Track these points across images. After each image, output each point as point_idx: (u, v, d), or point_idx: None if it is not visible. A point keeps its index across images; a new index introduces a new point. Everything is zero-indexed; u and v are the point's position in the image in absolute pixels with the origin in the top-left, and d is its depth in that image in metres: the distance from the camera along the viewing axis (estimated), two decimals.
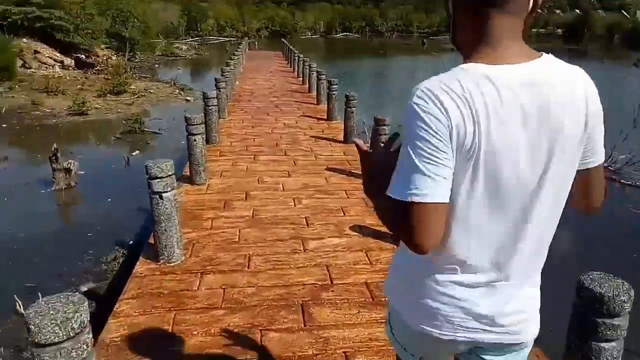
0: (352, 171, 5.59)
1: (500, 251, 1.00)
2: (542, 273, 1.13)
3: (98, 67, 19.65)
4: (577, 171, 1.01)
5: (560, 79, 0.93)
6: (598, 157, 1.04)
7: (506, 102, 0.89)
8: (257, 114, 9.27)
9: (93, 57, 21.27)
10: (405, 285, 1.13)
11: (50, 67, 17.73)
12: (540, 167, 0.94)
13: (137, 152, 8.54)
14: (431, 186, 0.89)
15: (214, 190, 4.94)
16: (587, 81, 0.97)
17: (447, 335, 1.06)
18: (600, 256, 4.75)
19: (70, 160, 6.50)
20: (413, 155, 0.90)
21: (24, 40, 18.27)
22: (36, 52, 18.06)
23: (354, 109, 6.99)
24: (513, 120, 0.90)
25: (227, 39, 51.29)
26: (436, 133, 0.88)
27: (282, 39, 33.23)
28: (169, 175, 3.27)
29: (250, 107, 9.96)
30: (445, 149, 0.89)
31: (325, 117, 8.83)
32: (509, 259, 1.01)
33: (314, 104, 10.50)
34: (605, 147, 1.06)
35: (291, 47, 21.21)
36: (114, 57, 21.98)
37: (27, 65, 16.90)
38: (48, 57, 18.28)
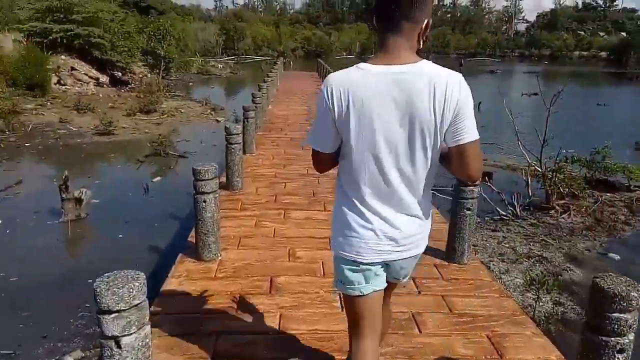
0: None
1: (383, 189, 1.53)
2: None
3: (132, 85, 19.62)
4: (454, 146, 1.48)
5: (422, 77, 1.43)
6: (467, 136, 1.46)
7: (380, 87, 1.44)
8: (290, 147, 7.74)
9: (129, 75, 21.33)
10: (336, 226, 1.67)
11: (85, 84, 17.74)
12: (405, 134, 1.47)
13: (159, 178, 7.98)
14: (319, 140, 1.58)
15: (227, 273, 3.33)
16: (450, 82, 1.43)
17: (365, 258, 1.59)
18: None
19: (82, 189, 5.93)
20: (315, 122, 1.59)
21: (62, 57, 18.41)
22: (73, 68, 18.13)
23: None
24: (384, 98, 1.44)
25: (262, 58, 51.63)
26: (324, 109, 1.50)
27: (318, 59, 32.88)
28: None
29: (282, 139, 8.45)
30: (327, 119, 1.51)
31: None
32: (390, 195, 1.54)
33: None
34: None
35: (327, 66, 20.63)
36: (149, 75, 22.00)
37: (62, 82, 16.91)
38: (84, 74, 18.32)
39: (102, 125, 10.93)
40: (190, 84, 24.72)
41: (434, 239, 3.76)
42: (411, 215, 1.59)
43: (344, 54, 65.53)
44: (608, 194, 7.35)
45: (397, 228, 1.57)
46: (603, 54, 70.94)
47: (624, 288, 1.57)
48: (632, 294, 1.59)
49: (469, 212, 3.37)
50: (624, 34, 73.52)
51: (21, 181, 7.35)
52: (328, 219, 4.32)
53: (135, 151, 9.92)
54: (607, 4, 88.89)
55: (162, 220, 6.00)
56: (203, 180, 3.26)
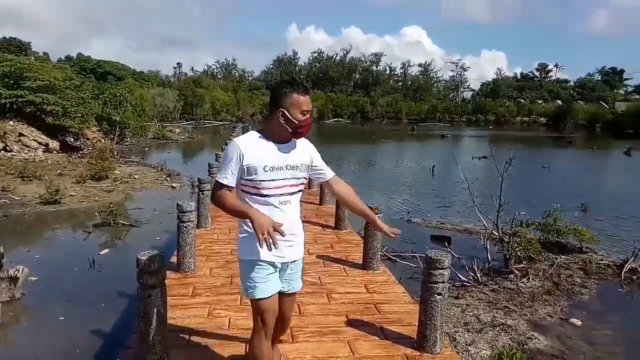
0: (386, 327, 3.49)
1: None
2: None
3: (85, 150, 19.06)
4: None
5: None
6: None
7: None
8: None
9: (82, 140, 20.79)
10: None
11: (33, 150, 17.08)
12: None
13: (107, 250, 7.50)
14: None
15: None
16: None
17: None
18: None
19: (18, 267, 5.44)
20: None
21: (11, 123, 17.80)
22: (21, 134, 17.50)
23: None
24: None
25: (221, 122, 52.04)
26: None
27: None
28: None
29: None
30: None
31: (333, 224, 6.61)
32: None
33: (317, 204, 8.06)
34: None
35: None
36: (103, 140, 21.53)
37: (8, 148, 16.22)
38: (33, 139, 17.70)
39: (47, 194, 10.37)
40: (146, 149, 24.34)
41: (403, 324, 3.55)
42: None
43: None
44: (562, 256, 7.50)
45: None
46: (542, 119, 76.35)
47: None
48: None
49: (439, 297, 3.06)
50: (559, 101, 79.81)
51: None
52: None
53: (83, 221, 9.39)
54: (543, 75, 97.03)
55: (109, 298, 5.53)
56: (148, 271, 2.78)
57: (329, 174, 2.53)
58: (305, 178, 2.43)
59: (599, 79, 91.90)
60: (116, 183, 13.09)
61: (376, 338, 3.32)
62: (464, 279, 6.36)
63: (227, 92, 66.48)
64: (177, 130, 36.59)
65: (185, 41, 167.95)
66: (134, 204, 11.12)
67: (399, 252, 7.41)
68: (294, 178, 2.34)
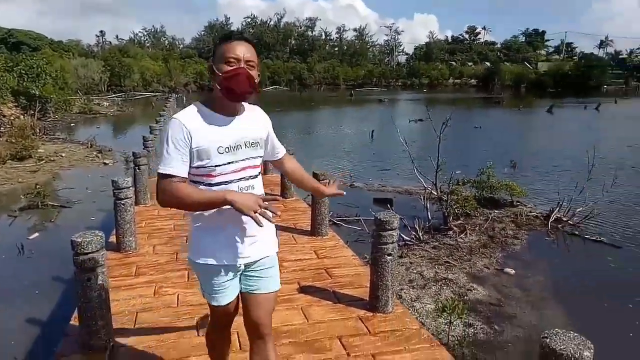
0: (338, 291, 3.56)
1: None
2: None
3: (2, 129, 17.51)
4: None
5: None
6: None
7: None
8: None
9: None
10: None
11: None
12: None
13: (36, 234, 7.02)
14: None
15: None
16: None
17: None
18: None
19: None
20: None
21: None
22: None
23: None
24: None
25: (153, 94, 49.54)
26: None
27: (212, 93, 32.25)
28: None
29: None
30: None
31: (279, 192, 6.58)
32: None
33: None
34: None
35: None
36: (22, 117, 19.86)
37: None
38: None
39: None
40: (73, 125, 22.76)
41: (354, 286, 3.63)
42: None
43: None
44: (496, 211, 7.96)
45: None
46: (473, 81, 79.40)
47: (575, 348, 1.45)
48: (585, 353, 1.45)
49: (390, 257, 3.13)
50: (487, 63, 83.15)
51: None
52: None
53: (6, 205, 8.71)
54: (472, 38, 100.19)
55: (44, 285, 5.21)
56: (86, 254, 2.58)
57: (282, 151, 2.14)
58: (262, 156, 1.99)
59: (523, 40, 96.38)
60: (41, 162, 12.19)
61: (329, 303, 3.37)
62: (407, 238, 6.59)
63: (157, 61, 63.10)
64: (105, 103, 34.43)
65: (107, 6, 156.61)
66: (64, 183, 10.44)
67: (344, 217, 7.53)
68: (255, 157, 1.91)
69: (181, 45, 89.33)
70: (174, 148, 1.74)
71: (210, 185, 1.80)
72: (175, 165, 1.74)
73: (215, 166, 1.79)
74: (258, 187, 1.93)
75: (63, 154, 13.55)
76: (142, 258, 4.31)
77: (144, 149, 7.44)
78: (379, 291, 3.17)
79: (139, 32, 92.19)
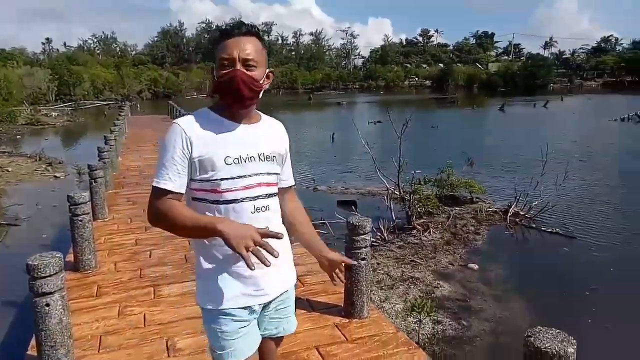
0: (312, 299, 3.47)
1: None
2: None
3: None
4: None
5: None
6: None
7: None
8: None
9: None
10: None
11: None
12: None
13: None
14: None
15: None
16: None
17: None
18: None
19: None
20: None
21: None
22: None
23: None
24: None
25: (105, 102, 47.91)
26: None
27: (169, 101, 31.50)
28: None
29: (139, 195, 6.90)
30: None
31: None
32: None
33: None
34: None
35: (180, 108, 19.80)
36: None
37: None
38: None
39: None
40: (18, 137, 21.66)
41: (328, 293, 3.54)
42: None
43: (195, 94, 64.38)
44: (457, 208, 8.13)
45: None
46: (427, 82, 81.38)
47: (559, 345, 1.44)
48: (569, 349, 1.43)
49: (363, 262, 3.07)
50: (441, 65, 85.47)
51: None
52: None
53: None
54: (425, 40, 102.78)
55: None
56: (42, 277, 2.36)
57: (290, 181, 1.76)
58: (279, 174, 1.65)
59: (474, 42, 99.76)
60: None
61: (304, 311, 3.28)
62: (372, 239, 6.62)
63: (108, 68, 61.14)
64: (53, 113, 33.01)
65: (52, 12, 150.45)
66: (10, 200, 9.88)
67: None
68: (271, 173, 1.58)
69: (134, 52, 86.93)
70: (171, 158, 1.47)
71: (218, 203, 1.48)
72: (172, 178, 1.46)
73: (222, 180, 1.47)
74: (275, 208, 1.60)
75: (9, 169, 12.83)
76: (103, 277, 4.05)
77: (99, 160, 7.11)
78: (353, 297, 3.12)
79: (88, 38, 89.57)
